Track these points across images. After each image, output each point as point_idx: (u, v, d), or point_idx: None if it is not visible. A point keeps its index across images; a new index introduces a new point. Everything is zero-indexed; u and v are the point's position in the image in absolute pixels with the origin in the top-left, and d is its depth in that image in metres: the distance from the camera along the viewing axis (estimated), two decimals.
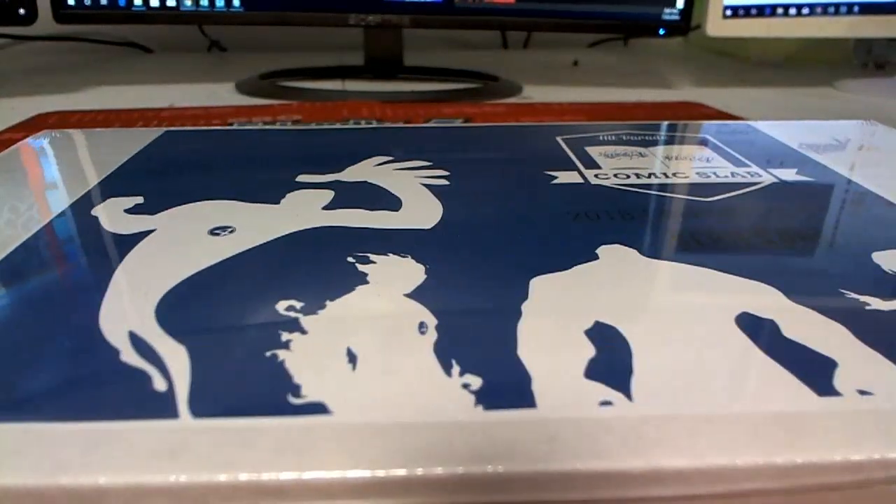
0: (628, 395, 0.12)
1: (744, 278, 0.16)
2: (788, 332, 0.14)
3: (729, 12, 0.52)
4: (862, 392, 0.12)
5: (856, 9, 0.50)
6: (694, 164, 0.25)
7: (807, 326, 0.14)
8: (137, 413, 0.11)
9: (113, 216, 0.19)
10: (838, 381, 0.12)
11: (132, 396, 0.11)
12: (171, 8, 0.52)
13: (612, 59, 0.72)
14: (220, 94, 0.46)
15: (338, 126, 0.34)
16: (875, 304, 0.15)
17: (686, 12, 0.53)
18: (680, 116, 0.40)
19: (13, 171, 0.24)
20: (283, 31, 0.56)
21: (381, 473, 0.10)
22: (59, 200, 0.20)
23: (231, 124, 0.35)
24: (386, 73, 0.55)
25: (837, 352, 0.13)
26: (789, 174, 0.24)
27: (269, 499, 0.10)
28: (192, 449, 0.10)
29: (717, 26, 0.52)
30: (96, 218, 0.19)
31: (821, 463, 0.10)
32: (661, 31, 0.53)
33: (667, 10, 0.53)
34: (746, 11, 0.52)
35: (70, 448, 0.10)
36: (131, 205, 0.20)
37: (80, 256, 0.17)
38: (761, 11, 0.51)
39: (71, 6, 0.51)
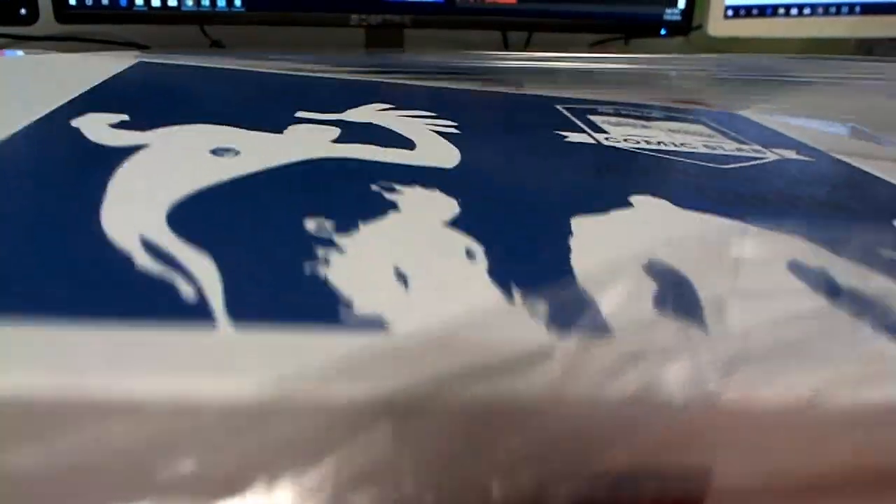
0: (703, 326, 0.11)
1: (781, 233, 0.16)
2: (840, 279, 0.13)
3: (730, 12, 0.53)
4: None
5: (857, 9, 0.51)
6: (698, 138, 0.25)
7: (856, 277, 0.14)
8: (169, 319, 0.09)
9: (97, 129, 0.17)
10: None
11: (159, 301, 0.10)
12: (172, 8, 0.53)
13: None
14: None
15: (333, 76, 0.33)
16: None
17: (687, 12, 0.54)
18: None
19: None
20: (283, 31, 0.57)
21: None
22: (28, 112, 0.18)
23: None
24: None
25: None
26: (790, 154, 0.24)
27: (335, 412, 0.09)
28: (239, 360, 0.09)
29: (718, 26, 0.53)
30: (78, 129, 0.17)
31: None
32: (663, 31, 0.54)
33: (668, 11, 0.54)
34: (748, 12, 0.53)
35: (95, 353, 0.09)
36: (116, 121, 0.18)
37: (65, 163, 0.15)
38: (762, 12, 0.52)
39: (73, 6, 0.51)
